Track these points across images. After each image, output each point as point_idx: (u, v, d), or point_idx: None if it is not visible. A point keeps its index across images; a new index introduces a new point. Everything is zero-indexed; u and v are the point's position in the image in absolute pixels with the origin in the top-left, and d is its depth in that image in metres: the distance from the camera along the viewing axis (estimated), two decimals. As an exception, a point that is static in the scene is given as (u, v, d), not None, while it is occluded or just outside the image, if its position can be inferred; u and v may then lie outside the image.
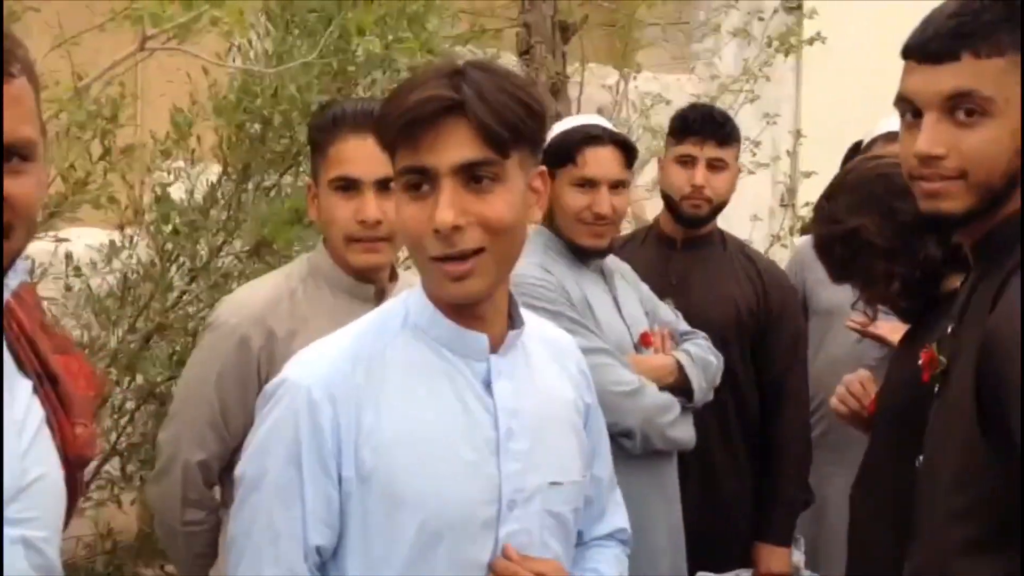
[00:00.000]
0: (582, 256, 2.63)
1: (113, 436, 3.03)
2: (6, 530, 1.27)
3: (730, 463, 2.89)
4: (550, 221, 2.65)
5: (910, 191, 2.15)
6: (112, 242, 2.96)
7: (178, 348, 2.91)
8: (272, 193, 2.84)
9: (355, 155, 2.08)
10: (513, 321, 1.54)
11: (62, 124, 2.41)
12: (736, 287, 2.95)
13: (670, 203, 2.96)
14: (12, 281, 1.34)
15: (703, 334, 2.80)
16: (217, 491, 2.25)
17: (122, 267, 2.97)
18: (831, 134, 5.30)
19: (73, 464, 1.41)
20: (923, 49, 1.52)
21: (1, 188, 1.23)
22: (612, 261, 2.77)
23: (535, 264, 2.55)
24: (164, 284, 2.86)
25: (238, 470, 1.50)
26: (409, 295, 1.53)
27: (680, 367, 2.63)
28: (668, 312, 2.81)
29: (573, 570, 1.61)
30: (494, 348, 1.50)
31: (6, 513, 1.27)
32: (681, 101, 5.43)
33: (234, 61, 2.80)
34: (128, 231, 3.00)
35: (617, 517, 1.75)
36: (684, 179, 2.88)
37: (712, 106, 3.18)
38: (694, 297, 2.91)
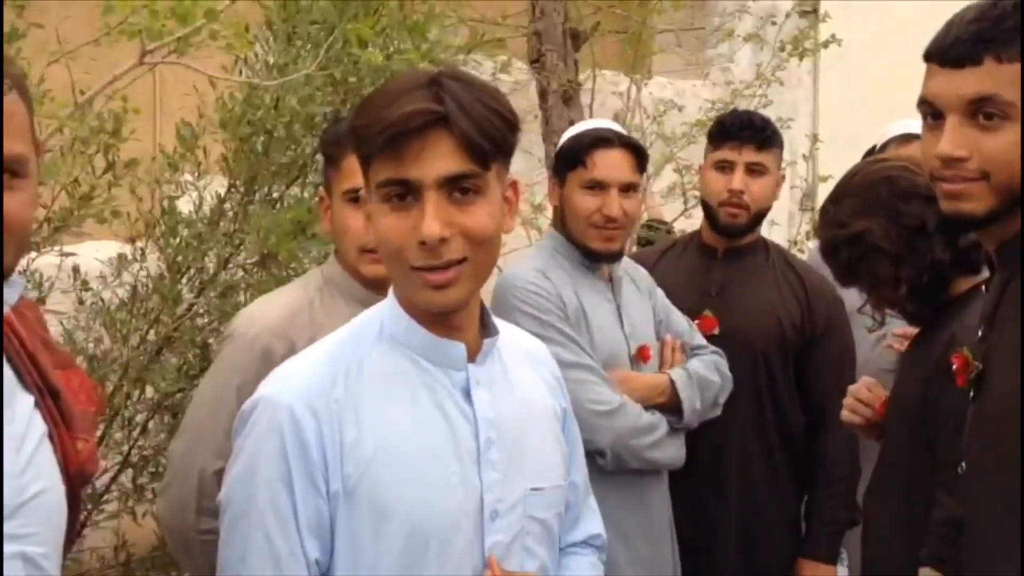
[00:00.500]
0: (593, 260, 2.62)
1: (125, 448, 3.05)
2: (6, 546, 1.27)
3: (771, 482, 2.83)
4: (562, 224, 2.64)
5: (915, 194, 2.15)
6: (121, 255, 2.99)
7: (187, 360, 2.93)
8: (278, 205, 2.86)
9: None
10: (487, 329, 1.55)
11: (65, 139, 2.43)
12: (779, 300, 2.87)
13: (708, 211, 2.91)
14: (11, 296, 1.34)
15: (714, 349, 2.76)
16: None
17: (132, 280, 3.00)
18: (849, 137, 5.28)
19: (74, 479, 1.41)
20: (945, 53, 1.53)
21: (1, 206, 1.23)
22: (627, 266, 2.75)
23: (536, 270, 2.55)
24: (173, 296, 2.87)
25: (221, 496, 1.47)
26: (382, 306, 1.53)
27: (672, 386, 2.60)
28: (682, 322, 2.77)
29: None
30: (470, 357, 1.50)
31: (6, 529, 1.27)
32: (695, 107, 5.45)
33: (241, 74, 2.82)
34: (138, 244, 3.03)
35: (592, 523, 1.75)
36: (722, 185, 2.83)
37: (753, 112, 3.13)
38: (733, 309, 2.85)
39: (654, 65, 6.17)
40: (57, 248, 2.68)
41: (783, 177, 3.00)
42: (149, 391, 3.00)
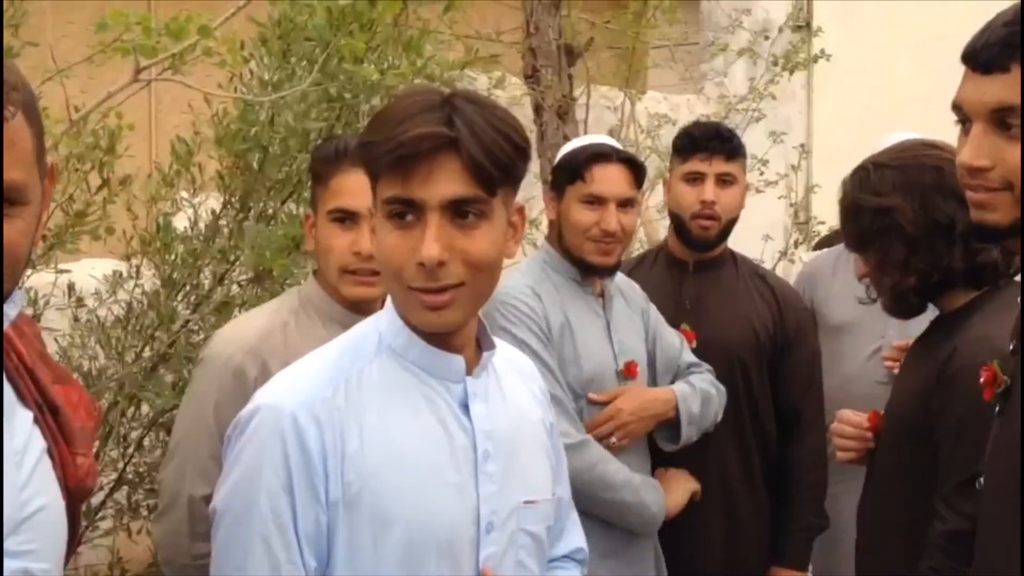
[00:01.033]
0: (589, 274, 2.63)
1: (120, 465, 3.04)
2: (7, 563, 1.26)
3: (749, 487, 2.87)
4: (558, 238, 2.65)
5: (956, 194, 2.09)
6: (116, 272, 2.99)
7: (183, 376, 2.93)
8: (272, 222, 2.86)
9: (356, 188, 2.09)
10: (484, 343, 1.56)
11: (60, 156, 2.43)
12: (752, 309, 2.92)
13: (679, 224, 2.92)
14: (11, 311, 1.33)
15: (708, 367, 2.78)
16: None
17: (127, 297, 3.00)
18: (841, 150, 5.29)
19: (74, 495, 1.41)
20: (975, 57, 1.50)
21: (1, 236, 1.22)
22: (620, 283, 2.76)
23: (527, 286, 2.55)
24: (168, 313, 2.87)
25: (218, 504, 1.47)
26: (379, 319, 1.54)
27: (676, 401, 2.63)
28: (674, 342, 2.79)
29: None
30: (468, 370, 1.51)
31: (7, 546, 1.26)
32: (689, 121, 5.44)
33: (236, 91, 2.83)
34: (133, 261, 3.03)
35: (575, 537, 1.75)
36: (693, 197, 2.86)
37: (717, 122, 3.17)
38: (710, 321, 2.88)
39: (648, 80, 6.20)
40: (52, 265, 2.68)
41: (748, 185, 3.03)
42: (144, 408, 3.00)
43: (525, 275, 2.63)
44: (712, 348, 2.84)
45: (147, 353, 2.92)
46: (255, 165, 2.76)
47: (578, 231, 2.58)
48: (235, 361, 2.13)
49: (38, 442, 1.35)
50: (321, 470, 1.41)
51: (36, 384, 1.39)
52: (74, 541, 1.47)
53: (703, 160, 2.86)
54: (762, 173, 5.02)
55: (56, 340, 2.95)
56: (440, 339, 1.49)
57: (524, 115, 4.79)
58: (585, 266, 2.61)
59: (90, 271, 3.10)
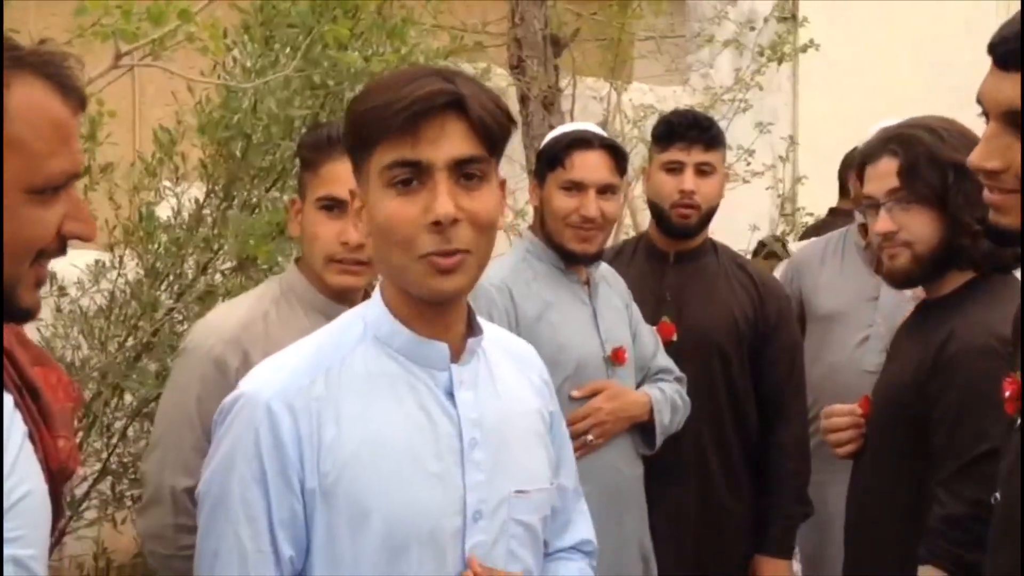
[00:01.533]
0: (570, 261, 2.62)
1: (104, 456, 3.03)
2: None
3: (728, 476, 2.87)
4: (540, 225, 2.64)
5: None
6: (99, 261, 2.97)
7: (166, 366, 2.91)
8: (256, 210, 2.84)
9: (346, 176, 2.04)
10: (472, 329, 1.54)
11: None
12: (732, 298, 2.91)
13: (659, 214, 2.92)
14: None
15: (678, 375, 2.78)
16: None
17: (110, 286, 2.98)
18: (827, 141, 5.30)
19: (56, 478, 1.39)
20: (994, 51, 1.45)
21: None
22: (606, 273, 2.76)
23: (496, 281, 2.54)
24: (151, 302, 2.86)
25: (201, 488, 1.47)
26: (366, 308, 1.53)
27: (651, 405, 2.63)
28: (650, 342, 2.78)
29: None
30: (455, 357, 1.50)
31: None
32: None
33: (219, 78, 2.81)
34: (117, 251, 3.01)
35: (582, 528, 1.73)
36: (672, 186, 2.85)
37: (695, 111, 3.16)
38: (691, 312, 2.88)
39: (634, 71, 6.19)
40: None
41: (728, 174, 3.02)
42: (128, 398, 2.99)
43: (501, 267, 2.63)
44: (692, 338, 2.84)
45: (130, 343, 2.91)
46: (238, 153, 2.75)
47: (558, 217, 2.57)
48: (216, 352, 2.11)
49: (20, 426, 1.34)
50: (296, 459, 1.41)
51: (15, 366, 1.38)
52: (56, 526, 1.46)
53: (682, 150, 2.85)
54: (748, 164, 5.02)
55: (39, 330, 2.93)
56: (429, 323, 1.48)
57: (510, 106, 4.79)
58: (566, 253, 2.60)
59: (73, 261, 3.07)
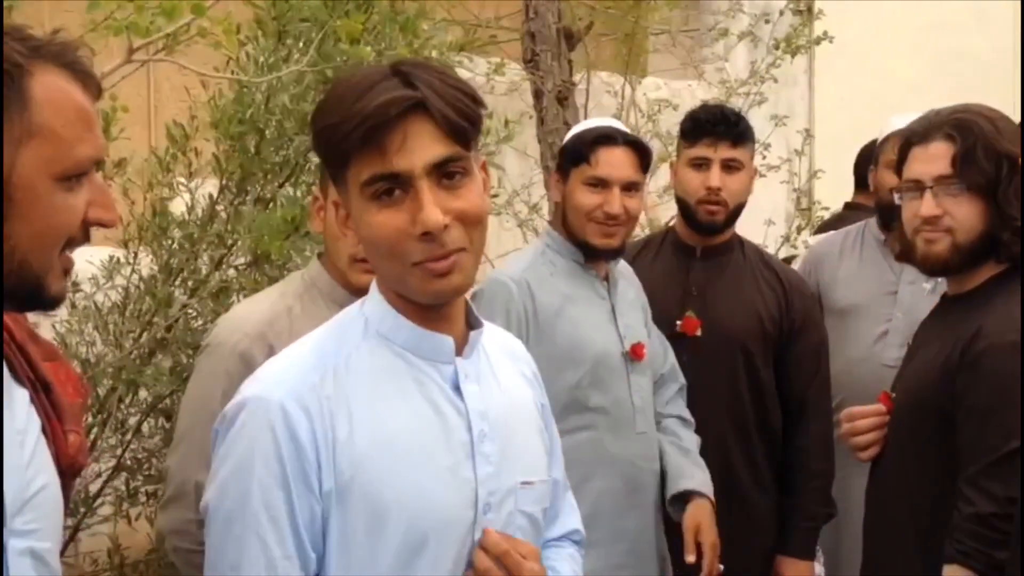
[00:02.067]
0: (592, 257, 2.61)
1: (118, 452, 3.03)
2: (13, 542, 1.26)
3: (752, 476, 2.84)
4: (562, 221, 2.63)
5: None
6: (113, 258, 2.98)
7: (181, 362, 2.91)
8: (270, 205, 2.84)
9: None
10: (471, 323, 1.53)
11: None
12: (758, 296, 2.88)
13: (685, 209, 2.90)
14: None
15: (682, 382, 2.77)
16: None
17: (124, 282, 2.98)
18: (843, 134, 5.26)
19: (66, 472, 1.40)
20: None
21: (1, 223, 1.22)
22: (624, 271, 2.74)
23: (511, 275, 2.54)
24: (165, 298, 2.86)
25: (210, 501, 1.43)
26: (365, 304, 1.51)
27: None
28: (658, 346, 2.77)
29: None
30: (457, 350, 1.48)
31: (12, 525, 1.26)
32: (690, 106, 5.41)
33: (233, 74, 2.81)
34: (131, 247, 3.01)
35: (571, 518, 1.74)
36: (699, 182, 2.83)
37: (723, 105, 3.11)
38: (716, 307, 2.85)
39: (648, 65, 6.16)
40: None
41: (756, 170, 2.99)
42: (142, 393, 2.99)
43: (519, 261, 2.62)
44: (717, 336, 2.81)
45: (144, 339, 2.91)
46: (252, 148, 2.74)
47: (581, 213, 2.56)
48: (241, 347, 2.11)
49: (36, 421, 1.34)
50: (314, 460, 1.38)
51: (28, 361, 1.38)
52: (66, 519, 1.47)
53: (709, 145, 2.82)
54: (764, 157, 4.99)
55: (54, 326, 2.93)
56: (431, 318, 1.46)
57: (524, 100, 4.76)
58: (588, 249, 2.59)
59: (87, 257, 3.08)
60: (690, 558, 2.56)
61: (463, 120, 1.37)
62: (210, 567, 1.42)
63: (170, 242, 2.94)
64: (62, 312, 2.97)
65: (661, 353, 2.77)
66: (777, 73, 5.30)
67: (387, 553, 1.40)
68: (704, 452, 2.77)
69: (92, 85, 1.27)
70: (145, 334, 2.92)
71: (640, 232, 4.83)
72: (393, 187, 1.36)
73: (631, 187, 2.56)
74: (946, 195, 2.11)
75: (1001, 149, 2.08)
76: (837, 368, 3.08)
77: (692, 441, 2.73)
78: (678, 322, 2.82)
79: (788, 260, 4.19)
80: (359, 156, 1.36)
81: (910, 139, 2.21)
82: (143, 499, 3.05)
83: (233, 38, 2.32)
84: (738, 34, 5.41)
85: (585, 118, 4.77)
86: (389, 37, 2.65)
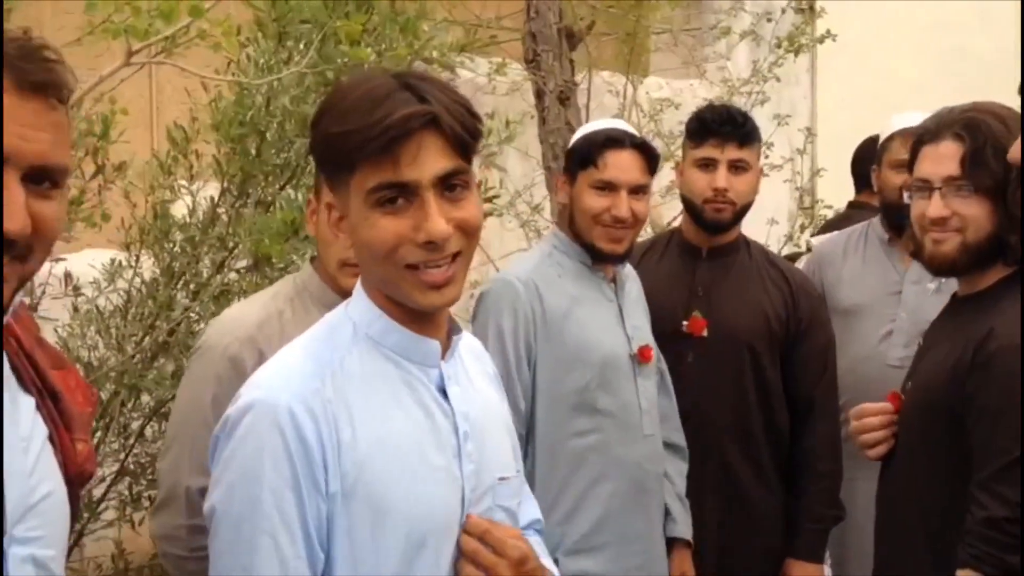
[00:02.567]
0: (598, 260, 2.60)
1: (122, 456, 3.03)
2: (15, 549, 1.26)
3: (758, 478, 2.83)
4: (569, 222, 2.62)
5: None
6: (115, 261, 2.97)
7: (183, 365, 2.90)
8: (271, 208, 2.83)
9: None
10: (452, 327, 1.57)
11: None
12: (765, 296, 2.87)
13: (692, 209, 2.88)
14: (14, 300, 1.32)
15: (672, 398, 2.75)
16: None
17: (126, 286, 2.98)
18: (846, 133, 5.25)
19: (74, 481, 1.39)
20: None
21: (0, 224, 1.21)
22: (630, 272, 2.73)
23: (519, 276, 2.53)
24: (167, 302, 2.85)
25: (216, 505, 1.42)
26: (350, 307, 1.54)
27: None
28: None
29: None
30: (441, 354, 1.53)
31: (15, 532, 1.26)
32: (692, 105, 5.41)
33: (234, 76, 2.80)
34: (132, 250, 3.01)
35: (532, 509, 1.79)
36: (705, 183, 2.81)
37: (730, 106, 3.09)
38: (722, 307, 2.84)
39: (650, 64, 6.15)
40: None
41: (763, 169, 2.98)
42: (145, 398, 2.98)
43: (526, 262, 2.61)
44: (723, 336, 2.80)
45: (147, 342, 2.91)
46: (252, 151, 2.73)
47: (588, 216, 2.55)
48: (232, 351, 2.10)
49: (41, 428, 1.34)
50: (320, 462, 1.40)
51: (36, 369, 1.37)
52: (73, 528, 1.46)
53: (715, 146, 2.81)
54: (767, 156, 4.97)
55: (56, 330, 2.93)
56: (420, 323, 1.50)
57: (525, 100, 4.75)
58: (595, 252, 2.58)
59: (89, 260, 3.08)
60: None
61: (468, 135, 1.44)
62: (219, 570, 1.42)
63: (172, 245, 2.93)
64: (64, 316, 2.96)
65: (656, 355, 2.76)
66: (779, 72, 5.28)
67: (391, 553, 1.42)
68: (707, 452, 2.76)
69: (27, 83, 1.22)
70: (147, 338, 2.91)
71: (643, 233, 4.82)
72: (398, 195, 1.41)
73: (638, 190, 2.55)
74: (955, 196, 2.09)
75: (993, 148, 2.05)
76: (841, 368, 3.06)
77: (678, 473, 2.72)
78: (684, 322, 2.81)
79: (792, 258, 4.19)
80: (369, 164, 1.41)
81: (922, 137, 2.19)
82: (146, 504, 3.04)
83: (233, 40, 2.31)
84: (740, 33, 5.39)
85: (587, 118, 4.75)
86: (389, 38, 2.64)
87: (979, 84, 5.14)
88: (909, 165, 2.24)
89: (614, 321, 2.59)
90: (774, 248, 4.23)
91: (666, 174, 5.21)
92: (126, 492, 3.08)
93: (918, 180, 2.17)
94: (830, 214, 4.97)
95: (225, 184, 2.90)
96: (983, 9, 6.88)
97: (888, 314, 3.12)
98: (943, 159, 2.11)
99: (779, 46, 5.15)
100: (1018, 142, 1.93)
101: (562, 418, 2.50)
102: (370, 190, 1.41)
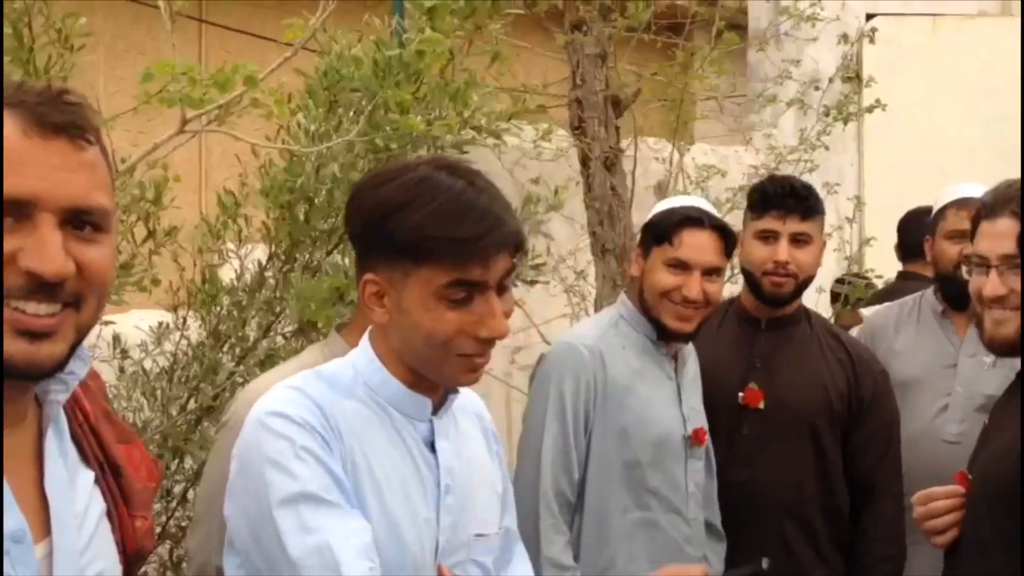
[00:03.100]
0: (663, 337, 2.56)
1: (163, 519, 3.01)
2: None
3: (817, 557, 2.75)
4: (639, 295, 2.60)
5: None
6: (162, 323, 2.98)
7: (226, 430, 2.90)
8: (317, 273, 2.84)
9: None
10: (447, 387, 1.69)
11: (107, 208, 2.43)
12: (826, 370, 2.81)
13: (752, 280, 2.85)
14: (80, 370, 1.30)
15: (714, 480, 2.70)
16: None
17: (172, 348, 2.99)
18: (894, 200, 5.20)
19: (131, 558, 1.38)
20: None
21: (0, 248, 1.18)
22: (691, 349, 2.71)
23: (585, 343, 2.51)
24: (213, 365, 2.86)
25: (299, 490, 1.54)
26: (356, 357, 1.67)
27: None
28: None
29: None
30: (434, 410, 1.66)
31: None
32: (738, 173, 5.41)
33: (284, 143, 2.83)
34: (180, 312, 3.02)
35: (522, 567, 1.84)
36: (766, 254, 2.77)
37: (793, 177, 3.07)
38: (781, 381, 2.79)
39: (696, 131, 6.15)
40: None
41: (826, 242, 2.94)
42: (188, 461, 2.97)
43: (592, 328, 2.60)
44: (781, 410, 2.75)
45: (192, 405, 2.91)
46: (301, 216, 2.75)
47: (657, 292, 2.54)
48: None
49: (98, 504, 1.33)
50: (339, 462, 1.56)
51: (99, 442, 1.37)
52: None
53: (777, 218, 2.77)
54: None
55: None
56: (415, 384, 1.63)
57: (571, 166, 4.76)
58: (662, 328, 2.55)
59: (136, 322, 3.10)
60: None
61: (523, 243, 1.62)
62: (278, 544, 1.53)
63: (219, 308, 2.94)
64: (110, 377, 2.97)
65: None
66: (826, 139, 5.27)
67: None
68: (764, 527, 2.69)
69: (49, 126, 1.20)
70: (192, 400, 2.91)
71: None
72: (470, 293, 1.55)
73: (713, 272, 2.53)
74: (1011, 274, 2.06)
75: None
76: (897, 443, 2.98)
77: (716, 555, 2.67)
78: (740, 394, 2.76)
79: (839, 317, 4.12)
80: (457, 263, 1.54)
81: (980, 212, 2.16)
82: (186, 568, 3.02)
83: (284, 107, 2.33)
84: (787, 101, 5.39)
85: (633, 184, 4.75)
86: (439, 106, 2.66)
87: (1028, 152, 5.09)
88: (971, 236, 2.21)
89: (672, 400, 2.56)
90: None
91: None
92: (166, 556, 3.06)
93: (976, 256, 2.14)
94: (880, 284, 4.90)
95: (273, 249, 2.91)
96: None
97: (943, 387, 3.06)
98: (1000, 237, 2.08)
99: (827, 114, 5.14)
100: None
101: (612, 491, 2.47)
102: (445, 285, 1.54)
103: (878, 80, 5.38)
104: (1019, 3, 6.09)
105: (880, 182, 6.52)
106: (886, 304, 3.50)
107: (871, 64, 6.06)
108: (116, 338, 2.91)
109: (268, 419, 1.56)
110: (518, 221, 1.61)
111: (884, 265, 5.01)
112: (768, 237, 2.78)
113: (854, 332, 3.65)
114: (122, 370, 2.99)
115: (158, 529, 3.03)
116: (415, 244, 1.55)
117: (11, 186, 1.17)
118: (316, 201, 2.69)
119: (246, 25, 6.91)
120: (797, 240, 2.77)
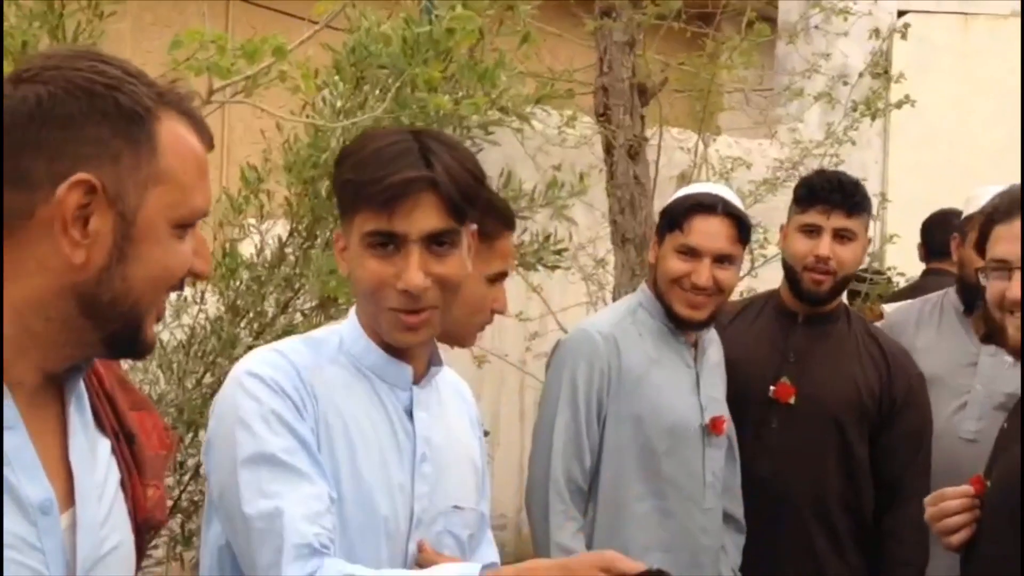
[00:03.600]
0: (676, 325, 2.54)
1: (175, 493, 3.01)
2: None
3: (837, 554, 2.73)
4: (654, 282, 2.58)
5: None
6: (181, 296, 2.98)
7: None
8: (339, 249, 2.83)
9: None
10: (432, 359, 1.72)
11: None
12: (859, 369, 2.78)
13: (791, 274, 2.81)
14: None
15: (738, 469, 2.69)
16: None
17: (191, 322, 2.98)
18: (917, 198, 5.15)
19: (141, 527, 1.37)
20: None
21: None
22: (714, 338, 2.68)
23: (599, 330, 2.49)
24: (230, 339, 2.85)
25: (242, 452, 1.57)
26: (343, 325, 1.70)
27: None
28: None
29: None
30: (416, 380, 1.68)
31: None
32: (762, 165, 5.37)
33: (309, 118, 2.81)
34: (199, 286, 3.02)
35: (489, 552, 1.84)
36: (807, 249, 2.73)
37: (841, 173, 3.00)
38: (813, 376, 2.76)
39: (721, 123, 6.11)
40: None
41: (870, 240, 2.90)
42: (202, 434, 2.97)
43: (609, 316, 2.58)
44: (810, 405, 2.72)
45: (208, 379, 2.90)
46: (323, 192, 2.73)
47: (667, 279, 2.52)
48: None
49: (115, 474, 1.32)
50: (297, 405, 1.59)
51: (114, 410, 1.36)
52: (136, 573, 1.43)
53: (821, 213, 2.73)
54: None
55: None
56: (395, 350, 1.65)
57: (594, 153, 4.73)
58: (673, 316, 2.53)
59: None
60: None
61: (464, 201, 1.59)
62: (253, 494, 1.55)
63: (238, 283, 2.93)
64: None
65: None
66: (852, 135, 5.22)
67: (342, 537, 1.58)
68: (785, 522, 2.67)
69: (206, 136, 1.27)
70: (208, 375, 2.91)
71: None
72: (388, 243, 1.57)
73: (724, 259, 2.50)
74: None
75: None
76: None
77: (735, 545, 2.65)
78: (772, 387, 2.73)
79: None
80: (368, 212, 1.57)
81: (992, 217, 2.12)
82: (197, 542, 3.02)
83: (311, 82, 2.32)
84: (816, 95, 5.34)
85: (656, 174, 4.72)
86: (467, 86, 2.64)
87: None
88: (979, 245, 2.17)
89: (689, 388, 2.54)
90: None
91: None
92: (177, 530, 3.06)
93: (993, 261, 2.10)
94: (903, 281, 4.87)
95: (294, 224, 2.90)
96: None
97: (963, 385, 3.02)
98: (1020, 238, 2.04)
99: (855, 109, 5.09)
100: None
101: (626, 479, 2.45)
102: (366, 233, 1.58)
103: (907, 77, 5.33)
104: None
105: (904, 179, 6.48)
106: (908, 301, 3.46)
107: (900, 61, 6.01)
108: (135, 309, 2.90)
109: (244, 378, 1.60)
110: (467, 183, 1.58)
111: (906, 263, 4.97)
112: (811, 231, 2.74)
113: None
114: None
115: (169, 503, 3.03)
116: (340, 189, 1.64)
117: (205, 201, 1.26)
118: (339, 178, 2.67)
119: (273, 1, 6.89)
120: (840, 236, 2.73)
